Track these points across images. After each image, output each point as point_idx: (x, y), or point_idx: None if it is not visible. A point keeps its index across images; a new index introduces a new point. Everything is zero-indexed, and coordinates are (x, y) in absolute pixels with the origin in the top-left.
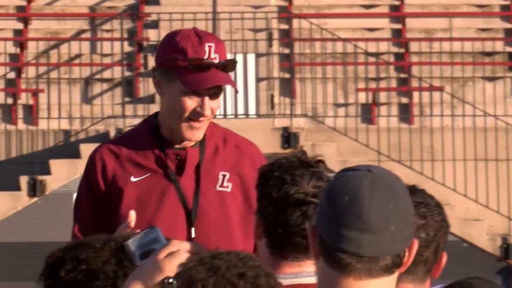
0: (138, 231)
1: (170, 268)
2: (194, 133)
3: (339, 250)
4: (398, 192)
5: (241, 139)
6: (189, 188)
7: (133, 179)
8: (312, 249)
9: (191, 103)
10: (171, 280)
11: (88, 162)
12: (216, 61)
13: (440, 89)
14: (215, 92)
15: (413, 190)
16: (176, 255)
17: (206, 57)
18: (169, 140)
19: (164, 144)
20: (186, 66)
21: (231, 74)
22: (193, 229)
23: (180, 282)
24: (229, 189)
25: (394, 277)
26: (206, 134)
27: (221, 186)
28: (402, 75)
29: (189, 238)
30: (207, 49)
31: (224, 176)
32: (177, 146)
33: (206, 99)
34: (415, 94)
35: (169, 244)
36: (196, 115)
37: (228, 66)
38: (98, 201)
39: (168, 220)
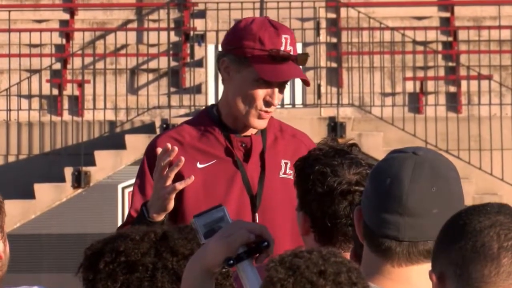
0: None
1: (233, 249)
2: (260, 122)
3: (379, 234)
4: (443, 175)
5: (296, 130)
6: (255, 175)
7: (199, 165)
8: (358, 232)
9: (261, 92)
10: (231, 262)
11: (149, 151)
12: (292, 53)
13: (489, 77)
14: (284, 84)
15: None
16: (239, 235)
17: (282, 48)
18: (232, 128)
19: (227, 131)
20: (263, 56)
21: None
22: (257, 214)
23: (262, 283)
24: (291, 177)
25: None
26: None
27: (284, 173)
28: (450, 64)
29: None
30: (283, 40)
31: (286, 163)
32: (241, 134)
33: (276, 89)
34: (463, 83)
35: (232, 224)
36: (265, 104)
37: (302, 59)
38: None
39: (235, 206)
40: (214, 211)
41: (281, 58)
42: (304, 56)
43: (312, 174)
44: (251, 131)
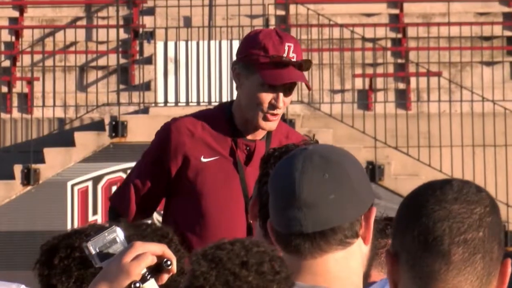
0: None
1: (137, 272)
2: (268, 124)
3: (286, 234)
4: (335, 161)
5: (302, 137)
6: (254, 178)
7: (203, 159)
8: (273, 242)
9: (266, 96)
10: (138, 285)
11: (163, 132)
12: (294, 60)
13: (438, 74)
14: (289, 88)
15: None
16: (142, 258)
17: (285, 55)
18: (241, 130)
19: (236, 133)
20: (266, 62)
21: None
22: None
23: (185, 277)
24: None
25: (352, 250)
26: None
27: None
28: (400, 61)
29: (247, 225)
30: (286, 48)
31: None
32: (248, 137)
33: (281, 93)
34: (413, 80)
35: (133, 247)
36: (271, 107)
37: (304, 65)
38: (161, 171)
39: (229, 205)
40: (106, 233)
41: (283, 63)
42: (308, 62)
43: (271, 159)
44: (259, 135)
